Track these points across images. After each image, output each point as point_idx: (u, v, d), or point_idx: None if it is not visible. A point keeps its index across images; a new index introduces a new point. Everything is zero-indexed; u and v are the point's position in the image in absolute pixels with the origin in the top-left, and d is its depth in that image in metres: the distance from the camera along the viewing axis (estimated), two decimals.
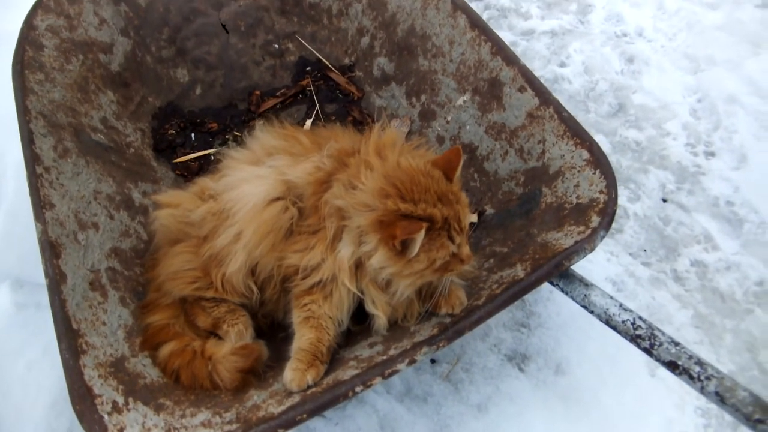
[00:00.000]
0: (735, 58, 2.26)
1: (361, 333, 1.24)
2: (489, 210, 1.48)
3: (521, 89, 1.40)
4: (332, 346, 1.15)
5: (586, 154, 1.28)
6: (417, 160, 1.08)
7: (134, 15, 1.77)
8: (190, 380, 1.15)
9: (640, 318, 1.11)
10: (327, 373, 1.11)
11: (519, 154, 1.42)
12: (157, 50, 1.82)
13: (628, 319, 1.10)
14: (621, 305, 1.13)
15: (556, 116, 1.33)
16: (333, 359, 1.16)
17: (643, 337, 1.08)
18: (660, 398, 1.63)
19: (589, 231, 1.17)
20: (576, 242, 1.15)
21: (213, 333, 1.26)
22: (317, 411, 0.98)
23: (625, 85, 2.31)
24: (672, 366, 1.04)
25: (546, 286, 1.90)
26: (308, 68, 1.96)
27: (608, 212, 1.19)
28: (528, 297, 1.84)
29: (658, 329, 1.08)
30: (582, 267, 1.89)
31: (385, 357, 1.07)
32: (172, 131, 1.83)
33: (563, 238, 1.19)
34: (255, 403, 1.05)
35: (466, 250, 1.06)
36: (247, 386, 1.14)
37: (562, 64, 2.40)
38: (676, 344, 1.06)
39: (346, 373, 1.07)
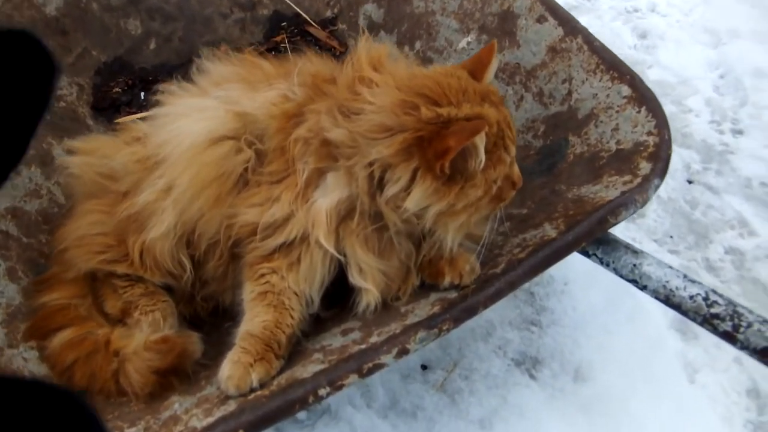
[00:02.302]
0: (761, 30, 2.03)
1: (333, 319, 0.92)
2: None
3: (540, 19, 1.13)
4: (294, 335, 0.84)
5: (626, 90, 1.00)
6: (434, 66, 0.81)
7: None
8: (87, 381, 0.82)
9: (714, 291, 0.81)
10: (282, 370, 0.79)
11: (538, 98, 1.14)
12: None
13: (698, 294, 0.81)
14: (686, 276, 0.84)
15: (585, 47, 1.06)
16: (293, 352, 0.85)
17: (722, 317, 0.78)
18: (702, 409, 1.33)
19: (638, 179, 0.89)
20: (623, 193, 0.87)
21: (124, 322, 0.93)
22: (261, 425, 0.66)
23: (640, 60, 2.07)
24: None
25: (559, 275, 1.62)
26: (284, 23, 1.68)
27: (662, 156, 0.91)
28: (538, 289, 1.55)
29: (741, 305, 0.79)
30: None
31: (363, 346, 0.76)
32: (117, 89, 1.53)
33: (603, 190, 0.91)
34: (174, 414, 0.73)
35: (516, 169, 0.82)
36: (168, 391, 0.81)
37: None
38: None
39: (307, 369, 0.75)
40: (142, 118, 1.05)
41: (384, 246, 0.82)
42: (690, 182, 1.76)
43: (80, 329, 0.87)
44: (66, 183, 1.02)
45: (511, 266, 0.81)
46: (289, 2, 1.71)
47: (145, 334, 0.86)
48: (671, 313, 1.46)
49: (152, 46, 1.62)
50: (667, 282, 0.83)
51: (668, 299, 0.84)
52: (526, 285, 1.55)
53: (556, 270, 1.58)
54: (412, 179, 0.74)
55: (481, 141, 0.70)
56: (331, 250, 0.80)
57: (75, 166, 0.98)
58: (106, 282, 0.94)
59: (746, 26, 2.06)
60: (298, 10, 1.70)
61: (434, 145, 0.70)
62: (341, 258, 0.82)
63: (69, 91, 1.45)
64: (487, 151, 0.73)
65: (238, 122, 0.89)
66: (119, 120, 1.49)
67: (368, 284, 0.82)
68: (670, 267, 0.85)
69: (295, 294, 0.83)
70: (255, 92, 0.91)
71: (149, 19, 1.61)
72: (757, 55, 1.98)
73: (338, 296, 0.91)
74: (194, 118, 0.90)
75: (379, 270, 0.82)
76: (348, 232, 0.81)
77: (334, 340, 0.82)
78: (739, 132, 1.86)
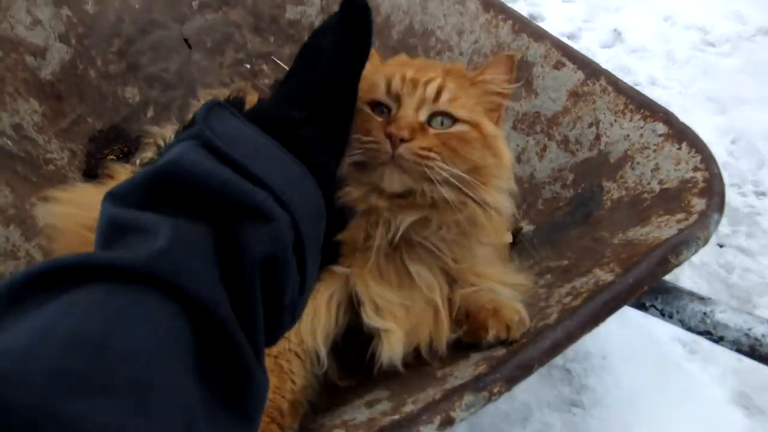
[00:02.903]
0: (766, 97, 2.03)
1: (355, 390, 0.77)
2: (526, 227, 1.09)
3: (558, 65, 1.09)
4: (299, 402, 0.68)
5: (661, 128, 0.93)
6: None
7: (79, 22, 1.48)
8: None
9: None
10: None
11: (563, 145, 1.07)
12: (104, 64, 1.51)
13: None
14: None
15: (610, 88, 1.01)
16: (303, 430, 0.69)
17: None
18: None
19: (694, 216, 0.79)
20: (680, 231, 0.76)
21: None
22: None
23: None
24: None
25: (596, 348, 1.45)
26: None
27: (715, 191, 0.82)
28: (575, 366, 1.38)
29: None
30: (641, 324, 1.46)
31: (396, 417, 0.61)
32: (112, 157, 1.47)
33: (656, 230, 0.80)
34: None
35: (403, 115, 0.67)
36: None
37: None
38: None
39: None
40: (133, 164, 0.97)
41: (401, 279, 0.70)
42: (721, 246, 1.66)
43: None
44: (45, 236, 0.91)
45: (565, 316, 0.68)
46: (286, 68, 1.71)
47: None
48: (730, 385, 1.30)
49: (150, 113, 1.58)
50: (750, 330, 0.70)
51: (754, 350, 0.70)
52: (561, 361, 1.39)
53: (592, 343, 1.42)
54: None
55: None
56: (338, 286, 0.68)
57: (55, 217, 0.87)
58: None
59: (750, 94, 2.07)
60: None
61: None
62: (352, 294, 0.69)
63: (60, 155, 1.39)
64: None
65: None
66: (107, 165, 1.39)
67: (388, 323, 0.67)
68: (749, 313, 0.73)
69: (297, 356, 0.69)
70: None
71: (148, 87, 1.58)
72: (766, 121, 1.97)
73: (358, 365, 0.77)
74: None
75: (401, 305, 0.69)
76: (355, 261, 0.69)
77: (358, 413, 0.67)
78: (763, 194, 1.79)
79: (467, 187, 0.66)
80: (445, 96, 0.68)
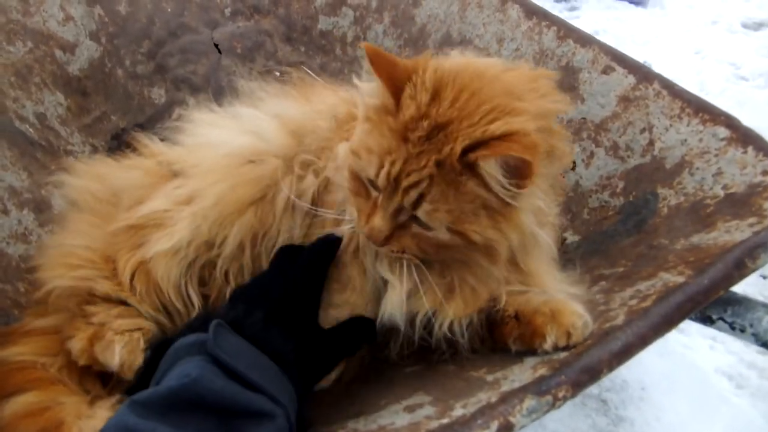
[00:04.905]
0: None
1: (384, 395, 0.69)
2: (571, 237, 1.02)
3: (606, 70, 1.05)
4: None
5: (723, 132, 0.87)
6: None
7: (110, 21, 1.47)
8: None
9: None
10: None
11: (612, 152, 1.01)
12: (132, 64, 1.49)
13: None
14: None
15: (664, 92, 0.95)
16: None
17: None
18: None
19: None
20: (756, 233, 0.69)
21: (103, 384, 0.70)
22: None
23: None
24: None
25: (634, 378, 1.34)
26: None
27: None
28: (611, 396, 1.27)
29: None
30: (683, 354, 1.35)
31: (446, 420, 0.53)
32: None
33: (725, 235, 0.73)
34: None
35: (378, 221, 0.62)
36: None
37: None
38: None
39: None
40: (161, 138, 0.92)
41: None
42: (765, 278, 1.57)
43: (44, 395, 0.64)
44: (61, 206, 0.86)
45: (635, 317, 0.60)
46: (316, 77, 1.68)
47: (114, 364, 0.65)
48: None
49: (175, 115, 1.55)
50: None
51: None
52: (596, 391, 1.29)
53: (630, 373, 1.32)
54: None
55: None
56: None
57: (74, 191, 0.82)
58: (79, 312, 0.71)
59: None
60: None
61: None
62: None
63: (81, 149, 1.35)
64: None
65: (292, 138, 0.76)
66: (133, 135, 1.25)
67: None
68: None
69: None
70: (310, 102, 0.81)
71: (175, 88, 1.55)
72: None
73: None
74: (234, 129, 0.77)
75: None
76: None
77: (397, 417, 0.59)
78: None
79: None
80: (424, 208, 0.59)
